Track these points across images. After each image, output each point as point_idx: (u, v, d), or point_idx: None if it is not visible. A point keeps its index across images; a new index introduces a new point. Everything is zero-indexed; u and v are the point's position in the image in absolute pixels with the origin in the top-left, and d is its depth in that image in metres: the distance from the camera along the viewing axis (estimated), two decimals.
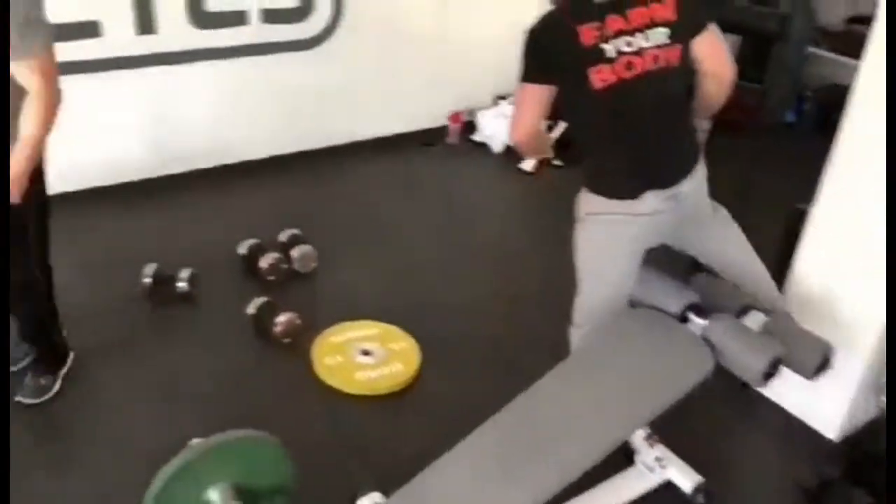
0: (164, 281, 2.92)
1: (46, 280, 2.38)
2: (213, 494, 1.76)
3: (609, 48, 1.74)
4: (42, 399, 2.37)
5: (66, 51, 3.16)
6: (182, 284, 2.91)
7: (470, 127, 4.56)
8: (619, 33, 1.75)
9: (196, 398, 2.46)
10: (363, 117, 4.28)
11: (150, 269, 2.92)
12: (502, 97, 4.48)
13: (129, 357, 2.63)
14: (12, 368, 2.43)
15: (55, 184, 3.46)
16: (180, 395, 2.48)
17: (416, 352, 2.69)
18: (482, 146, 4.48)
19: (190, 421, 2.32)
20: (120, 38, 3.36)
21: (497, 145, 4.41)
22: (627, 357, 1.86)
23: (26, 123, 1.95)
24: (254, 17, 3.66)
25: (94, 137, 3.45)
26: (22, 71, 1.89)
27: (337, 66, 4.01)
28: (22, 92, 1.93)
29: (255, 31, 3.69)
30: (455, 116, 4.55)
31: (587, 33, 1.73)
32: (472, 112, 4.56)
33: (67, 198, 3.45)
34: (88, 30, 3.26)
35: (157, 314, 2.88)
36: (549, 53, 1.79)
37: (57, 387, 2.42)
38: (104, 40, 3.32)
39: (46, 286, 2.39)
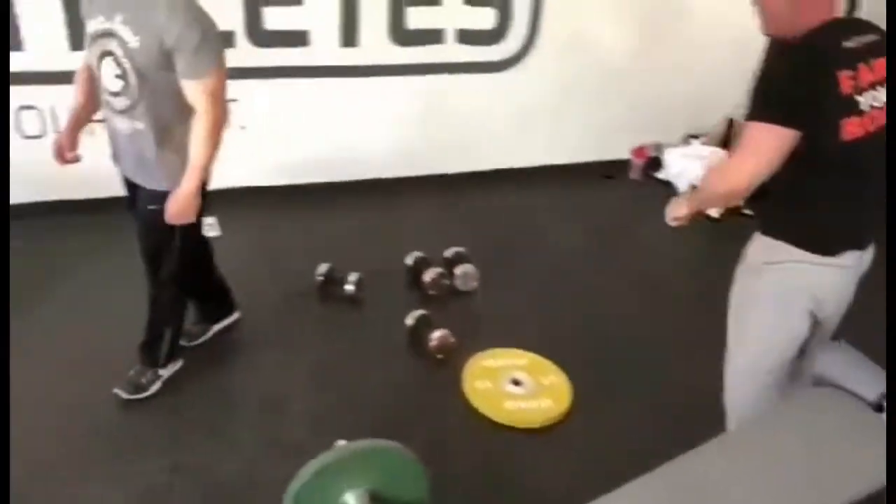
0: (334, 281, 3.10)
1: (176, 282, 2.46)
2: (351, 498, 1.81)
3: (862, 100, 1.65)
4: (138, 396, 2.45)
5: (277, 56, 3.57)
6: (350, 287, 3.07)
7: (654, 163, 4.41)
8: (870, 86, 1.66)
9: (344, 398, 2.56)
10: (543, 142, 4.29)
11: (323, 268, 3.12)
12: (694, 136, 4.28)
13: (290, 347, 2.81)
14: (190, 343, 2.69)
15: (262, 178, 3.83)
16: (330, 393, 2.59)
17: (567, 389, 2.62)
18: (666, 185, 4.31)
19: (335, 419, 2.43)
20: (325, 48, 3.63)
21: (683, 185, 4.22)
22: (812, 443, 1.67)
23: (194, 143, 2.10)
24: (450, 36, 3.80)
25: (289, 139, 3.75)
26: (191, 90, 2.04)
27: (524, 89, 4.06)
28: (185, 107, 2.09)
29: (449, 51, 3.83)
30: (639, 151, 4.42)
31: (845, 81, 1.62)
32: (658, 147, 4.40)
33: (261, 192, 3.81)
34: (298, 39, 3.56)
35: (324, 311, 3.05)
36: (811, 94, 1.62)
37: (155, 388, 2.48)
38: (311, 49, 3.60)
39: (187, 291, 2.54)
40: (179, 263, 2.37)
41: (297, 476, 1.84)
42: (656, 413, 2.51)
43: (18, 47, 3.12)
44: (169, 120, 2.10)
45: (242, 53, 3.46)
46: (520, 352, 2.80)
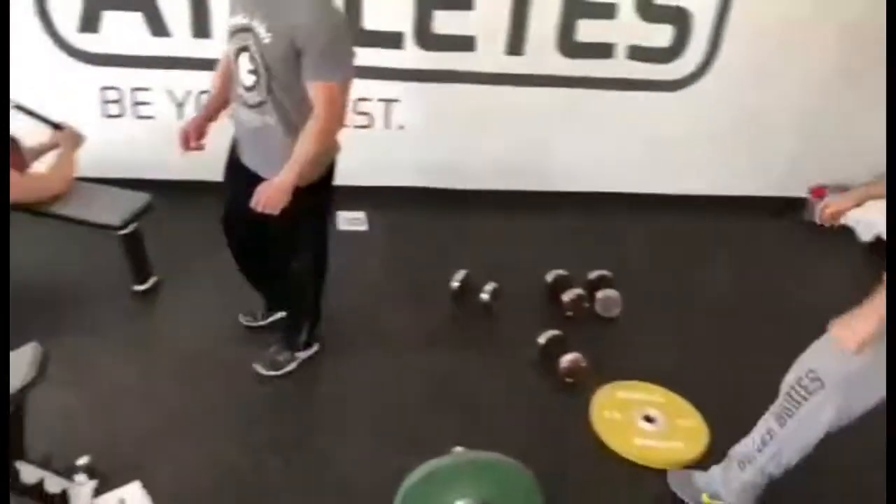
0: (469, 289, 3.12)
1: (314, 274, 2.57)
2: None
3: None
4: (274, 373, 2.59)
5: (442, 60, 3.67)
6: (485, 296, 3.07)
7: None
8: None
9: (465, 406, 2.56)
10: (709, 170, 4.08)
11: (460, 274, 3.15)
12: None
13: (418, 348, 2.85)
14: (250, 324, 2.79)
15: (414, 179, 3.94)
16: (449, 399, 2.60)
17: (703, 435, 2.47)
18: (846, 230, 3.95)
19: (453, 426, 2.43)
20: (490, 55, 3.68)
21: (866, 234, 3.86)
22: None
23: (302, 140, 2.14)
24: (620, 52, 3.73)
25: (444, 143, 3.84)
26: (313, 91, 2.09)
27: (693, 113, 3.89)
28: (306, 107, 2.12)
29: (618, 66, 3.75)
30: (819, 191, 4.09)
31: None
32: (841, 189, 4.05)
33: (412, 192, 3.92)
34: (464, 44, 3.63)
35: (456, 317, 3.08)
36: None
37: (291, 367, 2.62)
38: (475, 55, 3.66)
39: (312, 281, 2.60)
40: (313, 254, 2.49)
41: (410, 476, 1.86)
42: (794, 475, 2.29)
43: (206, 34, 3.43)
44: (296, 117, 2.16)
45: (409, 55, 3.59)
46: (657, 388, 2.67)
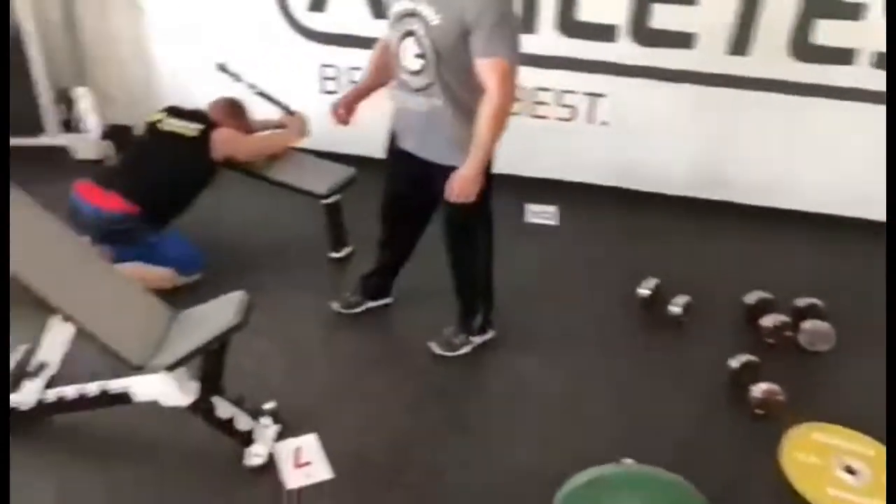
0: (659, 299, 3.00)
1: (486, 257, 2.60)
2: None
3: None
4: (448, 354, 2.67)
5: (656, 56, 3.55)
6: (676, 309, 2.94)
7: None
8: None
9: (640, 420, 2.47)
10: None
11: (651, 282, 3.04)
12: None
13: (600, 353, 2.79)
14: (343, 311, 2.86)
15: (611, 178, 3.88)
16: (626, 409, 2.53)
17: None
18: None
19: (623, 437, 2.36)
20: (709, 54, 3.50)
21: None
22: None
23: (479, 123, 2.15)
24: (864, 58, 3.38)
25: (649, 143, 3.73)
26: (483, 68, 2.10)
27: None
28: (479, 86, 2.13)
29: (860, 75, 3.41)
30: None
31: None
32: None
33: (607, 192, 3.86)
34: (683, 41, 3.49)
35: (642, 327, 2.98)
36: None
37: (465, 350, 2.69)
38: (693, 53, 3.50)
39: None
40: (487, 239, 2.54)
41: (570, 480, 1.84)
42: None
43: None
44: (465, 98, 2.19)
45: (621, 49, 3.52)
46: (866, 438, 2.41)
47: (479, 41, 2.08)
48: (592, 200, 3.83)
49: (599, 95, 3.68)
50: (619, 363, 2.74)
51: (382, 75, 2.49)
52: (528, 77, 3.63)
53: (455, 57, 2.14)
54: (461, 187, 2.24)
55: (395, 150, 2.50)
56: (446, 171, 2.28)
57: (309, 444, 2.23)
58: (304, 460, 2.17)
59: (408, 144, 2.43)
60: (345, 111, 2.58)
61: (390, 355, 2.72)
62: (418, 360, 2.68)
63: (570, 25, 3.53)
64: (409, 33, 2.18)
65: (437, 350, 2.69)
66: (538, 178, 3.93)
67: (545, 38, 3.56)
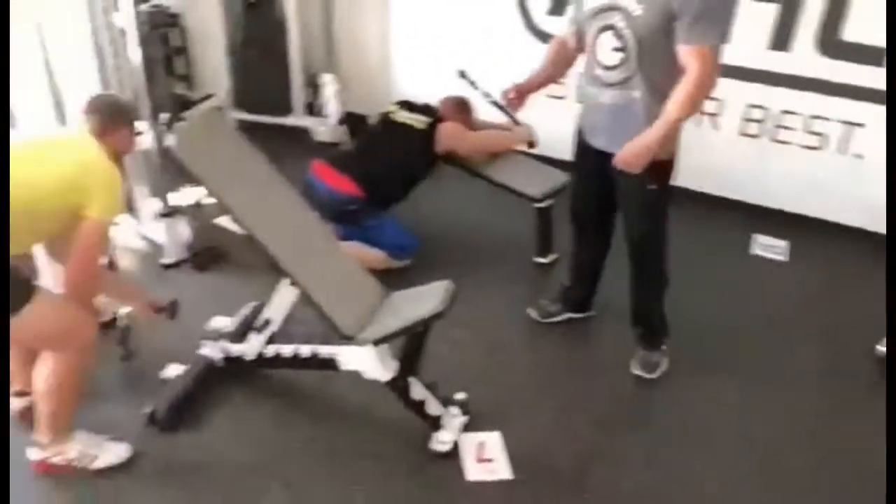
0: None
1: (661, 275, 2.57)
2: None
3: None
4: (648, 375, 2.63)
5: None
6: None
7: None
8: None
9: (841, 484, 2.27)
10: None
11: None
12: None
13: (799, 401, 2.59)
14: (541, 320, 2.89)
15: (853, 216, 3.57)
16: (821, 465, 2.33)
17: None
18: None
19: (815, 495, 2.21)
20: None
21: None
22: None
23: (673, 97, 2.13)
24: None
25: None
26: (685, 53, 2.08)
27: None
28: (678, 76, 2.11)
29: None
30: None
31: None
32: None
33: (849, 232, 3.54)
34: None
35: (871, 387, 2.68)
36: None
37: (663, 368, 2.65)
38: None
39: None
40: (664, 244, 2.49)
41: None
42: None
43: None
44: (666, 88, 2.17)
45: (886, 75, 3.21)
46: None
47: (683, 28, 2.08)
48: (831, 240, 3.54)
49: (857, 125, 3.39)
50: (834, 417, 2.53)
51: (556, 71, 2.58)
52: (774, 99, 3.49)
53: (657, 46, 2.14)
54: (632, 153, 2.23)
55: (582, 149, 2.53)
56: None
57: (493, 440, 2.30)
58: (487, 456, 2.24)
59: (598, 141, 2.43)
60: (518, 99, 2.62)
61: (585, 368, 2.72)
62: (613, 377, 2.66)
63: (833, 45, 3.27)
64: (607, 28, 2.21)
65: (637, 371, 2.66)
66: (770, 208, 3.71)
67: (800, 58, 3.35)
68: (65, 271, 2.03)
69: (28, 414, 2.20)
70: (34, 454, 2.11)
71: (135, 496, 2.10)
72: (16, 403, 2.29)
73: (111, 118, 2.15)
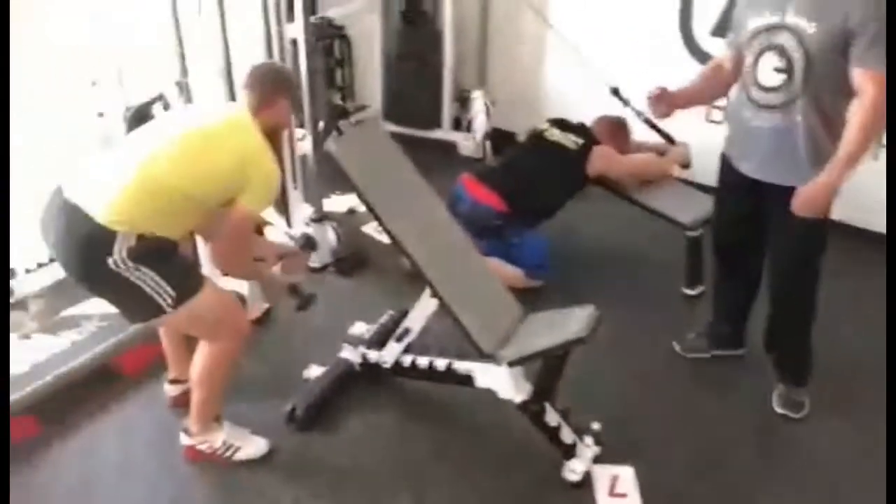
0: None
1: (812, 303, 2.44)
2: None
3: None
4: (794, 415, 2.52)
5: None
6: None
7: None
8: None
9: None
10: None
11: None
12: None
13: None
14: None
15: None
16: None
17: None
18: None
19: None
20: None
21: None
22: None
23: (848, 129, 2.05)
24: None
25: None
26: (860, 78, 2.01)
27: None
28: (848, 98, 2.05)
29: None
30: None
31: None
32: None
33: None
34: None
35: None
36: None
37: (808, 407, 2.53)
38: None
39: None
40: (819, 277, 2.37)
41: None
42: None
43: None
44: (832, 112, 2.11)
45: None
46: None
47: (859, 50, 2.00)
48: None
49: None
50: None
51: (708, 92, 2.54)
52: None
53: (829, 66, 2.06)
54: (814, 196, 2.14)
55: (728, 176, 2.44)
56: (788, 195, 2.18)
57: (626, 475, 2.24)
58: (620, 490, 2.19)
59: (748, 167, 2.34)
60: (658, 100, 2.44)
61: (728, 409, 2.59)
62: (758, 420, 2.53)
63: None
64: (769, 48, 2.14)
65: (781, 410, 2.54)
66: None
67: None
68: (212, 253, 2.16)
69: (181, 400, 2.37)
70: (184, 440, 2.27)
71: (272, 489, 2.21)
72: (169, 390, 2.48)
73: (273, 88, 2.13)
